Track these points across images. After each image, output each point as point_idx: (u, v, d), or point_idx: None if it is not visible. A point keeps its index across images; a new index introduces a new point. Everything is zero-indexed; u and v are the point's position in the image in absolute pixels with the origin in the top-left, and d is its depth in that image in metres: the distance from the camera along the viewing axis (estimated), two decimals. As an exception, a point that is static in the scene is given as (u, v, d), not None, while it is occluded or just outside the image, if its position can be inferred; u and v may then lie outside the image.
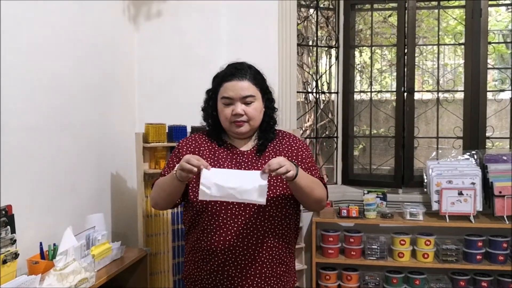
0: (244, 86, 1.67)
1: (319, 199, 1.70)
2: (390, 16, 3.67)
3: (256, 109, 1.69)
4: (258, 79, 1.73)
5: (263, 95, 1.73)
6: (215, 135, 1.76)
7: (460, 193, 3.02)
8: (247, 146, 1.75)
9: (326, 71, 3.70)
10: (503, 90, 3.49)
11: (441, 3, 3.49)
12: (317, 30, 3.58)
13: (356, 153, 3.78)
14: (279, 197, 1.66)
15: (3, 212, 1.69)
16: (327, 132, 3.72)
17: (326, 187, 1.77)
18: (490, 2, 3.31)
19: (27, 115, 1.96)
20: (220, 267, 1.66)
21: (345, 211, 3.16)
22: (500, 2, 3.65)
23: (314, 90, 3.62)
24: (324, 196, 1.74)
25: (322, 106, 3.70)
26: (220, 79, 1.72)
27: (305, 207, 1.77)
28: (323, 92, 3.67)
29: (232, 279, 1.65)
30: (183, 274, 1.82)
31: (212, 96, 1.75)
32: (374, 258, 3.13)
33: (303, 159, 1.76)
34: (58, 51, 2.18)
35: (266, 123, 1.75)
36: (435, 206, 3.07)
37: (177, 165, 1.57)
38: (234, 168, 1.68)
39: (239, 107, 1.66)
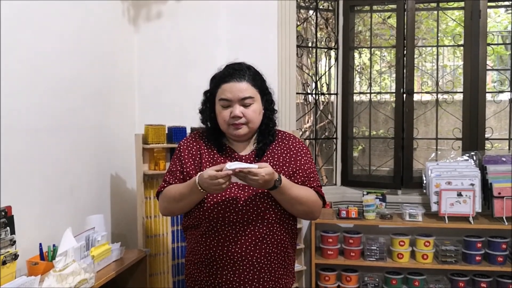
0: (243, 88, 1.64)
1: (305, 212, 1.68)
2: (389, 17, 3.68)
3: (255, 111, 1.66)
4: (257, 80, 1.69)
5: (262, 96, 1.70)
6: (214, 139, 1.72)
7: (459, 194, 3.02)
8: (246, 151, 1.73)
9: (325, 72, 3.70)
10: (502, 92, 3.49)
11: (440, 4, 3.50)
12: (316, 31, 3.58)
13: (355, 154, 3.78)
14: (275, 202, 1.65)
15: (3, 213, 1.69)
16: (326, 133, 3.73)
17: (323, 198, 1.73)
18: (489, 4, 3.31)
19: (27, 117, 1.97)
20: (218, 271, 1.65)
21: (344, 212, 3.17)
22: (499, 4, 3.65)
23: (314, 92, 3.62)
24: (315, 208, 1.70)
25: (321, 107, 3.70)
26: (218, 80, 1.68)
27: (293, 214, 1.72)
28: (323, 94, 3.68)
29: (230, 283, 1.65)
30: (185, 272, 1.82)
31: (209, 98, 1.72)
32: (374, 259, 3.13)
33: (301, 165, 1.71)
34: (57, 52, 2.18)
35: (265, 125, 1.72)
36: (434, 207, 3.08)
37: (196, 177, 1.55)
38: (232, 175, 1.62)
39: (238, 109, 1.63)
